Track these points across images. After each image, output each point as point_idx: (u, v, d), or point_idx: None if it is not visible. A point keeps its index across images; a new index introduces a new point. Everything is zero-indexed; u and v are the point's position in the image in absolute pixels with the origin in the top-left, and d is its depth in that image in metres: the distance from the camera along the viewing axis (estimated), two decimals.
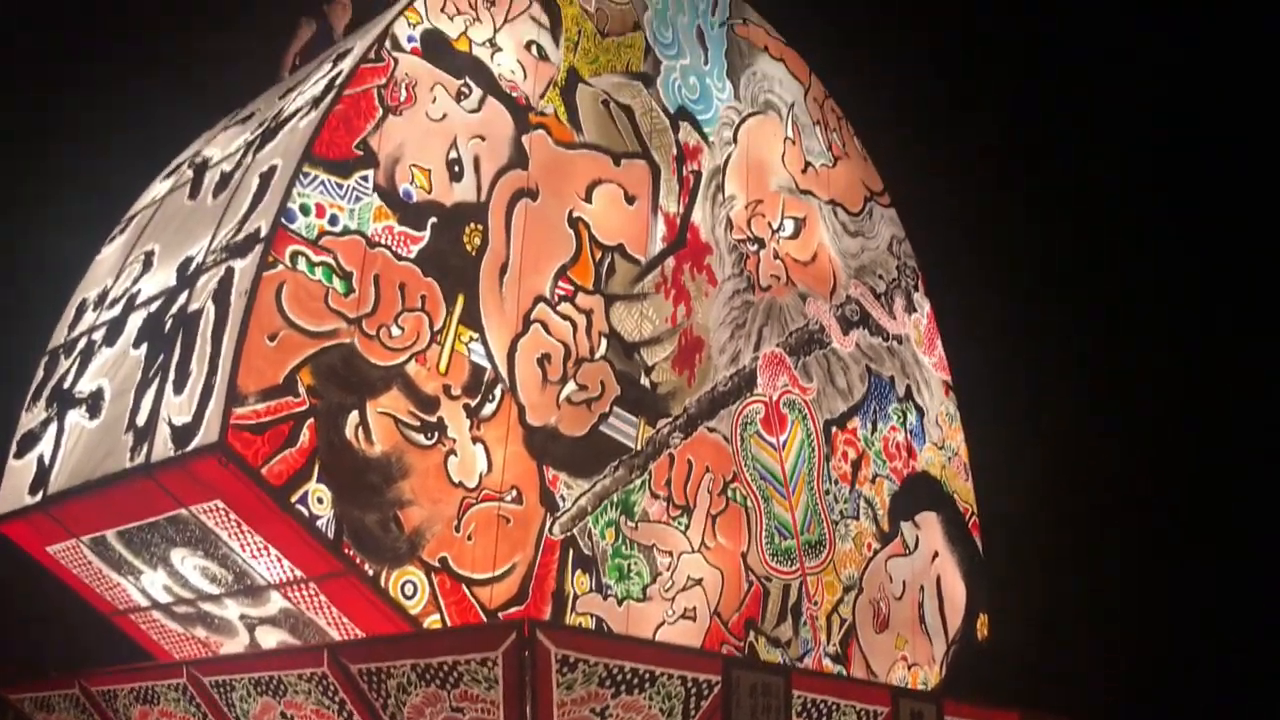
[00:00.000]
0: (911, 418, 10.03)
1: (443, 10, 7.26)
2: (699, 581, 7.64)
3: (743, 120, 9.28)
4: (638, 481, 7.48)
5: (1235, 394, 12.56)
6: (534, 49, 7.73)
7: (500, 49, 7.49)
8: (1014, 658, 10.22)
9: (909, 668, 9.07)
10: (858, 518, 9.09)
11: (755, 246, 9.01)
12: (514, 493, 6.73)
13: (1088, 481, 12.34)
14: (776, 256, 9.17)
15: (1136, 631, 11.99)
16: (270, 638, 6.80)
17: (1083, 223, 13.29)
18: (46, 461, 6.85)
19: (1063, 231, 13.35)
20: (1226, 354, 12.70)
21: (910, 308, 10.50)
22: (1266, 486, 12.04)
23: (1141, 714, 10.12)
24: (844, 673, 8.42)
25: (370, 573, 5.99)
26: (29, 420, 7.26)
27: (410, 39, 7.02)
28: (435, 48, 7.12)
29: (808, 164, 9.80)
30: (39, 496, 6.79)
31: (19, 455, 7.13)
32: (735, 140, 9.13)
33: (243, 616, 6.79)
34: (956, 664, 9.52)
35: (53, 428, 6.96)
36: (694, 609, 7.56)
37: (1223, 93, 13.06)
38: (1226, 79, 13.02)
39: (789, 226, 9.39)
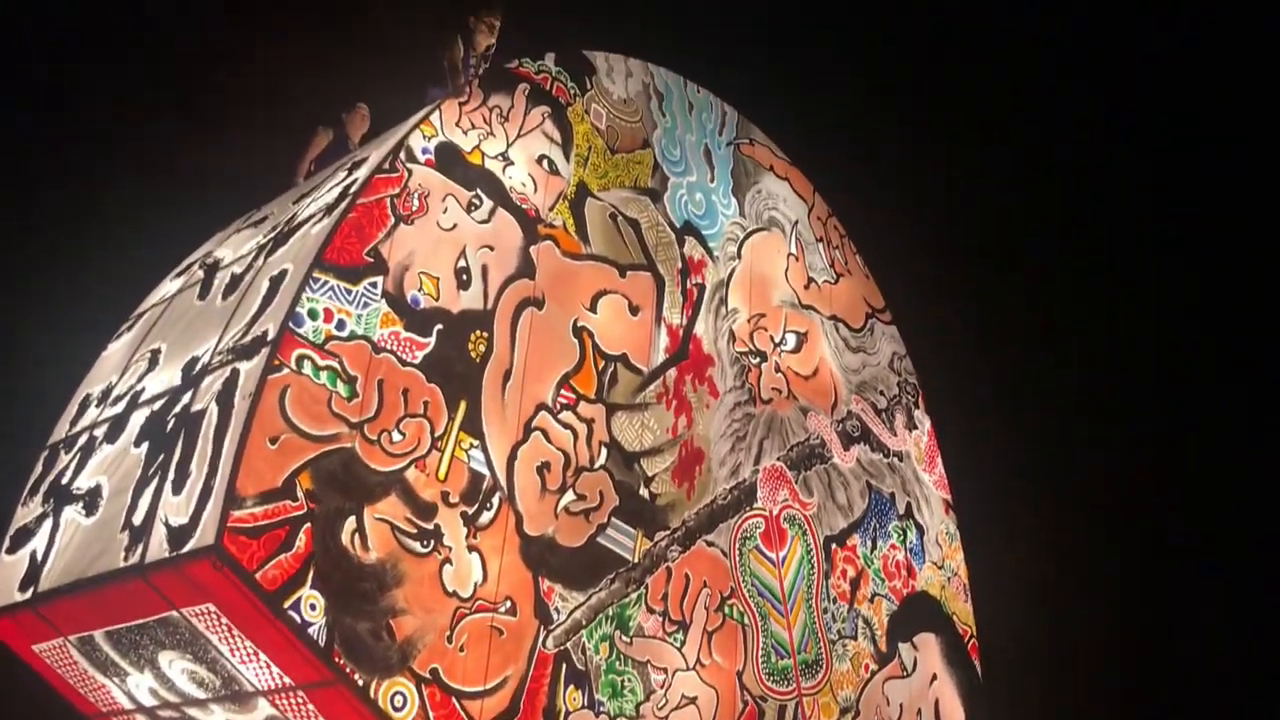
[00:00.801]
0: (912, 536, 9.97)
1: (457, 124, 7.44)
2: (693, 700, 7.50)
3: (747, 236, 9.43)
4: (634, 595, 7.40)
5: (1247, 511, 12.49)
6: (545, 163, 7.90)
7: (512, 162, 7.65)
8: None
9: None
10: (855, 638, 8.97)
11: (757, 359, 9.07)
12: (508, 604, 6.66)
13: (1091, 604, 12.19)
14: (778, 370, 9.23)
15: None
16: None
17: (1087, 343, 13.39)
18: (39, 558, 6.78)
19: (1066, 350, 13.43)
20: (1237, 465, 12.67)
21: (911, 424, 10.52)
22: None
23: None
24: None
25: (360, 683, 5.89)
26: (24, 515, 7.22)
27: (425, 150, 7.18)
28: (449, 160, 7.28)
29: (810, 280, 9.92)
30: (29, 593, 6.71)
31: (12, 550, 7.06)
32: (739, 255, 9.27)
33: None
34: None
35: (48, 523, 6.92)
36: None
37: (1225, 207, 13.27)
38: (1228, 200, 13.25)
39: (791, 340, 9.47)
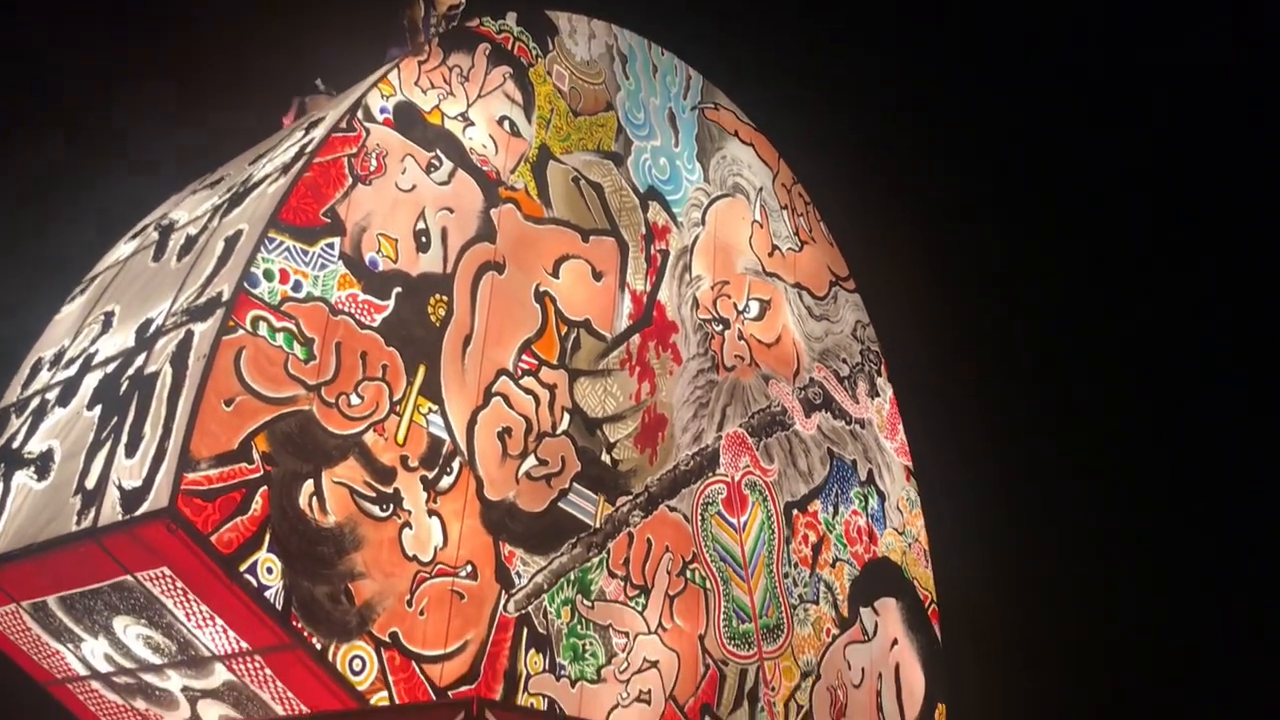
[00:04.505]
0: (873, 502, 10.02)
1: (416, 83, 7.33)
2: (655, 664, 7.51)
3: (711, 202, 9.39)
4: (596, 560, 7.39)
5: (1210, 473, 12.65)
6: (506, 124, 7.81)
7: (473, 123, 7.56)
8: None
9: None
10: (817, 602, 9.01)
11: (720, 327, 9.05)
12: (469, 568, 6.63)
13: (1050, 570, 12.32)
14: (741, 337, 9.21)
15: None
16: (212, 711, 6.59)
17: (1051, 310, 13.47)
18: None
19: (1032, 317, 13.51)
20: (1200, 425, 12.83)
21: (873, 392, 10.55)
22: (1247, 599, 12.09)
23: None
24: None
25: (318, 647, 5.85)
26: None
27: (383, 110, 7.07)
28: (407, 119, 7.18)
29: (774, 247, 9.91)
30: None
31: None
32: (703, 221, 9.23)
33: (185, 689, 6.59)
34: None
35: None
36: (649, 692, 7.42)
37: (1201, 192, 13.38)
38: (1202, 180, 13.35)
39: (754, 308, 9.46)
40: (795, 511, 9.12)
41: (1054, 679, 11.94)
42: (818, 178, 10.72)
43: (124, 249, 8.16)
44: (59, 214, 10.58)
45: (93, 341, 7.10)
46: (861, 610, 9.43)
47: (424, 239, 6.98)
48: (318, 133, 6.95)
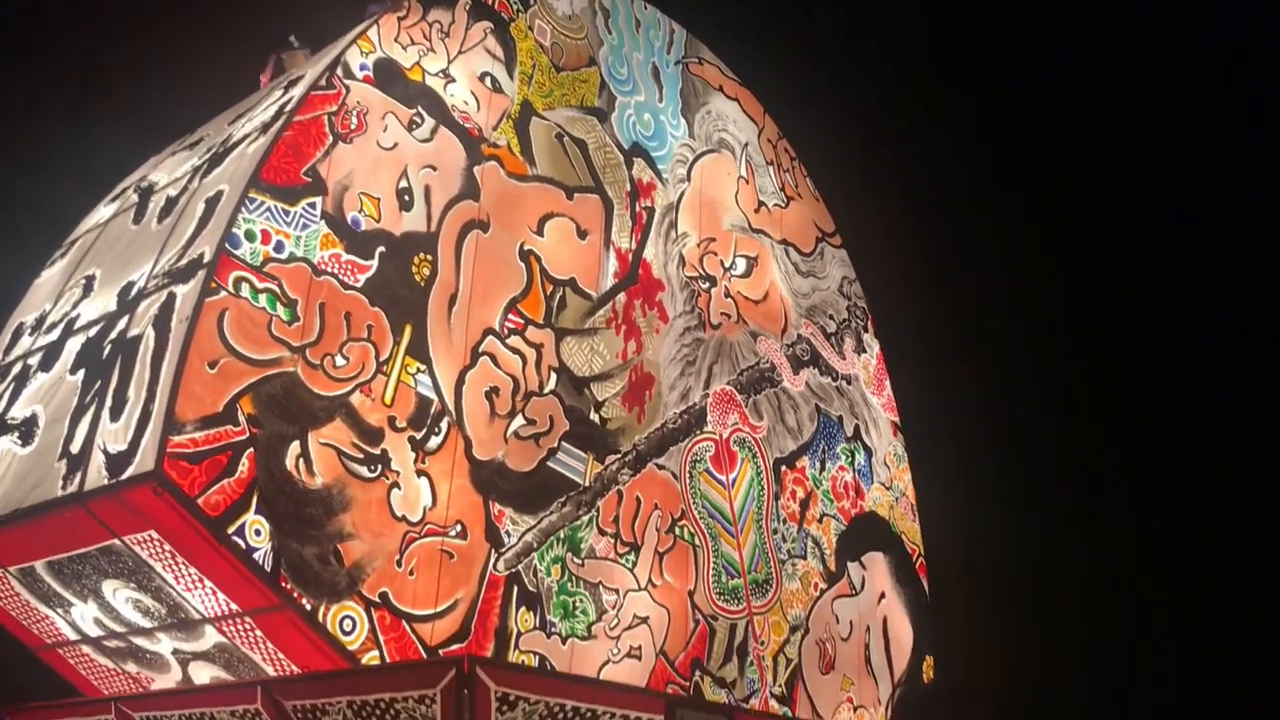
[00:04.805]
0: (860, 457, 10.05)
1: (396, 40, 7.23)
2: (645, 620, 7.55)
3: (696, 158, 9.33)
4: (585, 518, 7.40)
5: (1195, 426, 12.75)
6: (488, 80, 7.72)
7: (454, 79, 7.47)
8: (961, 701, 10.20)
9: (854, 710, 9.02)
10: (805, 557, 9.06)
11: (707, 284, 9.02)
12: (458, 528, 6.63)
13: (1037, 522, 12.42)
14: (728, 295, 9.19)
15: (1088, 673, 12.03)
16: (204, 673, 6.61)
17: (1036, 266, 13.47)
18: None
19: (1019, 272, 13.52)
20: (1183, 379, 12.92)
21: (860, 348, 10.55)
22: (1228, 530, 12.21)
23: None
24: (789, 714, 8.34)
25: (308, 608, 5.85)
26: None
27: (363, 67, 6.98)
28: (388, 76, 7.09)
29: (761, 203, 9.86)
30: None
31: None
32: (689, 178, 9.17)
33: (175, 651, 6.60)
34: (902, 706, 9.48)
35: None
36: (639, 648, 7.46)
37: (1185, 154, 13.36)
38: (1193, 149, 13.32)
39: (741, 265, 9.42)
40: (784, 468, 9.14)
41: (1042, 630, 12.07)
42: (803, 133, 10.66)
43: (104, 212, 8.07)
44: (37, 176, 10.46)
45: (74, 306, 7.04)
46: (849, 565, 9.50)
47: (407, 198, 6.92)
48: (297, 91, 6.86)
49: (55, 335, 6.92)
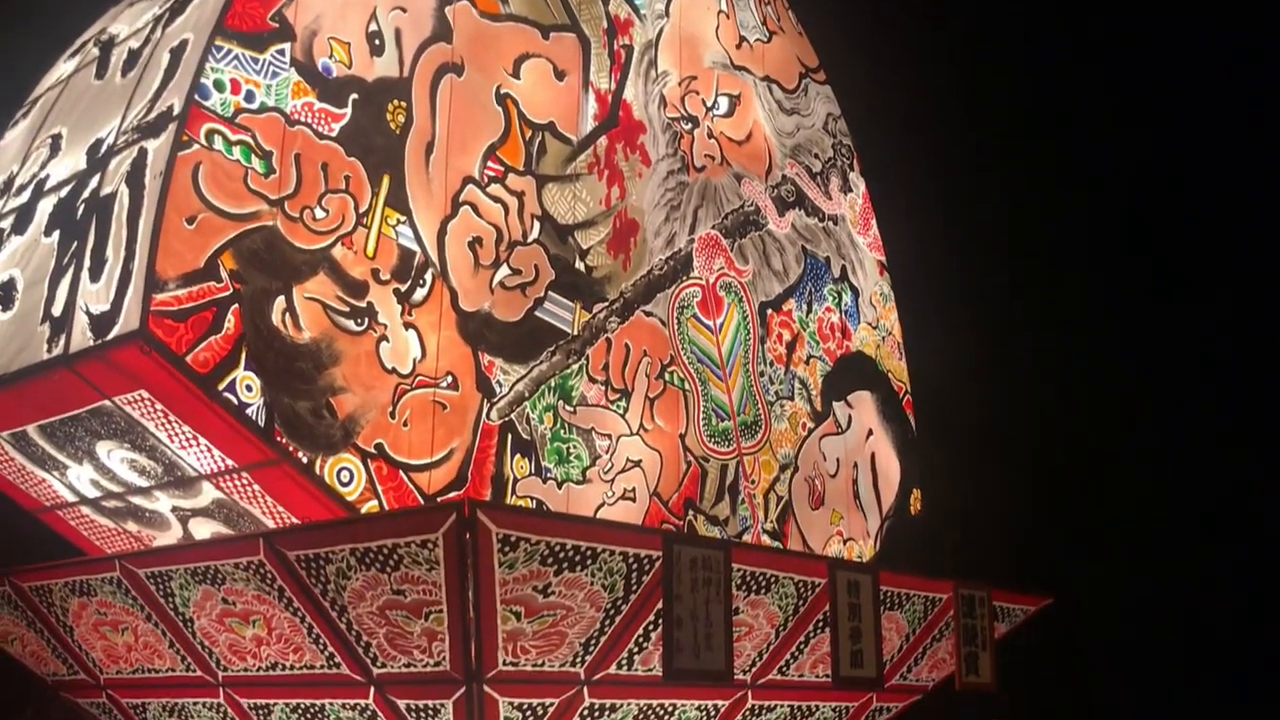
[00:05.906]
0: (846, 298, 10.05)
1: None
2: (638, 463, 7.65)
3: None
4: (575, 366, 7.42)
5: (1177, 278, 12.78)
6: None
7: None
8: (948, 532, 10.47)
9: (844, 542, 9.26)
10: (793, 398, 9.15)
11: (689, 125, 8.84)
12: (449, 379, 6.64)
13: (1024, 359, 12.55)
14: (711, 136, 9.01)
15: (1067, 505, 12.35)
16: (204, 529, 6.70)
17: (1021, 100, 13.25)
18: None
19: (1000, 109, 13.30)
20: (1171, 239, 12.89)
21: (846, 187, 10.43)
22: (1204, 362, 12.36)
23: (1075, 584, 10.45)
24: (781, 547, 8.55)
25: (304, 460, 5.89)
26: None
27: None
28: None
29: (742, 39, 9.58)
30: None
31: None
32: (667, 13, 8.88)
33: (175, 509, 6.67)
34: (891, 538, 9.74)
35: None
36: (633, 490, 7.59)
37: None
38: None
39: (723, 104, 9.21)
40: (770, 311, 9.14)
41: (1029, 463, 12.32)
42: None
43: (64, 68, 7.77)
44: None
45: (42, 166, 6.85)
46: (835, 404, 9.60)
47: (377, 41, 6.68)
48: None
49: (25, 197, 6.75)
